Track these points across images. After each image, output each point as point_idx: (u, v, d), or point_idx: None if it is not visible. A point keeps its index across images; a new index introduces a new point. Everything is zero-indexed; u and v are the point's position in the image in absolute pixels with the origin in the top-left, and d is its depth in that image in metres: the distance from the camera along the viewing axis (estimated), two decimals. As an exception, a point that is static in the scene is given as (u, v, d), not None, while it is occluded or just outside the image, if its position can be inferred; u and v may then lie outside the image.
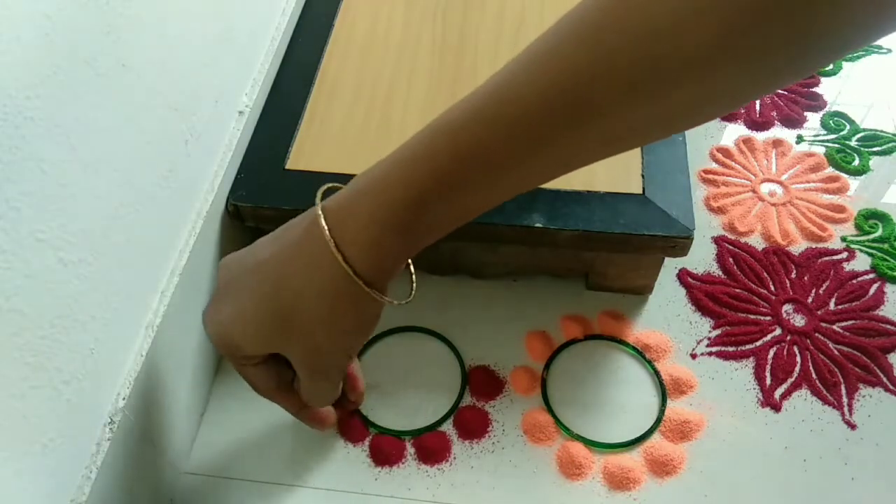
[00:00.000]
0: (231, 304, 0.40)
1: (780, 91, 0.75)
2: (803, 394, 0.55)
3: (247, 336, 0.40)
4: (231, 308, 0.40)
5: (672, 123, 0.33)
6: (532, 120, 0.32)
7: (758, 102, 0.74)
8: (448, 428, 0.54)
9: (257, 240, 0.42)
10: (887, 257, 0.62)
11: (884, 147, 0.70)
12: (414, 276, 0.45)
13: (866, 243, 0.63)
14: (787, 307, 0.59)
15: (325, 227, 0.36)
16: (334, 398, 0.47)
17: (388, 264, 0.38)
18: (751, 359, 0.57)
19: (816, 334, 0.58)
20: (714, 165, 0.70)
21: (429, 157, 0.35)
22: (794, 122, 0.73)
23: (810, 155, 0.70)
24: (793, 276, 0.61)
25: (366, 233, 0.36)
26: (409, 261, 0.44)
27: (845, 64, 0.78)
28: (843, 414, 0.54)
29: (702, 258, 0.63)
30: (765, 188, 0.68)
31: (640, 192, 0.55)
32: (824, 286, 0.61)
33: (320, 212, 0.37)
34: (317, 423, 0.49)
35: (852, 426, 0.54)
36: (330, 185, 0.40)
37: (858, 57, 0.79)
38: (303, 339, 0.40)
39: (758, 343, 0.58)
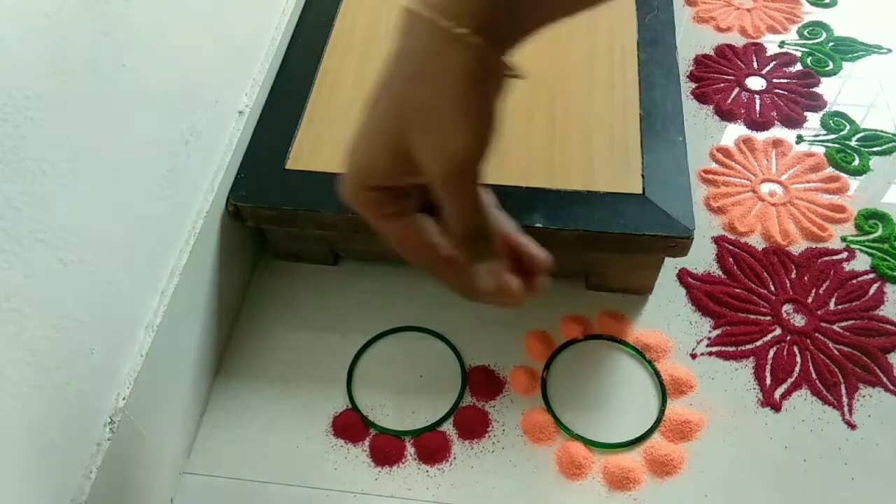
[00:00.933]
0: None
1: (780, 91, 0.75)
2: (803, 394, 0.55)
3: (366, 145, 0.36)
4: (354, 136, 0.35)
5: None
6: None
7: (758, 102, 0.74)
8: (448, 428, 0.54)
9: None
10: (887, 257, 0.62)
11: (884, 147, 0.70)
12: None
13: (866, 243, 0.63)
14: (787, 307, 0.59)
15: (423, 12, 0.32)
16: (488, 242, 0.37)
17: (494, 16, 0.33)
18: (751, 359, 0.57)
19: (816, 334, 0.58)
20: (714, 165, 0.70)
21: None
22: (794, 122, 0.73)
23: (810, 155, 0.70)
24: (793, 276, 0.61)
25: None
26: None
27: (845, 64, 0.78)
28: (843, 414, 0.54)
29: (702, 258, 0.63)
30: (765, 188, 0.68)
31: (640, 192, 0.55)
32: (824, 286, 0.61)
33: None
34: (495, 290, 0.37)
35: (852, 426, 0.54)
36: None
37: (858, 57, 0.79)
38: (418, 115, 0.35)
39: (758, 343, 0.58)
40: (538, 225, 0.53)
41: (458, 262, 0.38)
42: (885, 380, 0.56)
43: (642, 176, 0.56)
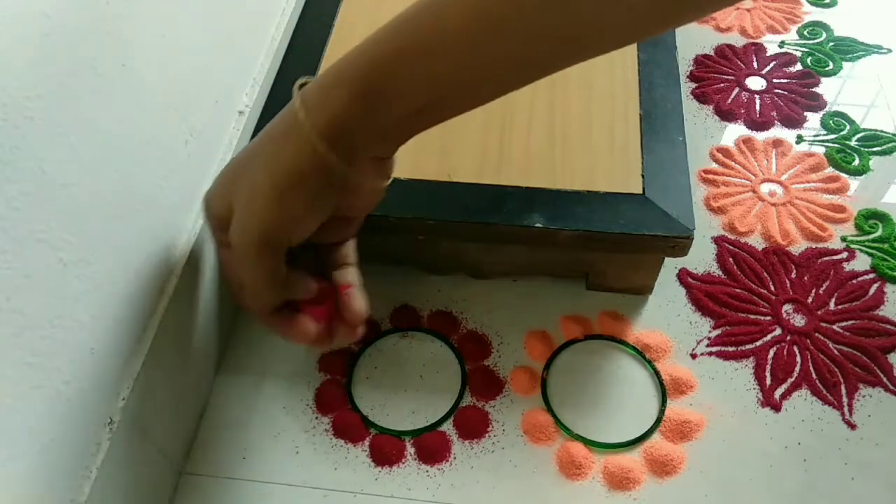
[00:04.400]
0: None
1: (780, 91, 0.75)
2: (803, 394, 0.55)
3: (211, 190, 0.41)
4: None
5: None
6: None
7: (758, 102, 0.74)
8: (448, 428, 0.54)
9: None
10: (887, 257, 0.62)
11: (884, 147, 0.70)
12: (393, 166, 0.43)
13: (866, 243, 0.63)
14: (787, 307, 0.59)
15: (296, 99, 0.38)
16: (272, 298, 0.42)
17: (350, 127, 0.38)
18: (751, 359, 0.57)
19: (816, 334, 0.58)
20: (714, 165, 0.70)
21: (387, 39, 0.39)
22: (794, 122, 0.73)
23: (810, 155, 0.70)
24: (793, 275, 0.61)
25: (327, 93, 0.37)
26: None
27: (845, 64, 0.78)
28: (843, 414, 0.54)
29: (702, 258, 0.63)
30: (765, 188, 0.68)
31: (640, 192, 0.55)
32: (824, 286, 0.61)
33: (296, 90, 0.38)
34: (281, 327, 0.43)
35: (852, 426, 0.54)
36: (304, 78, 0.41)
37: (858, 57, 0.79)
38: (246, 181, 0.39)
39: (758, 343, 0.58)
40: (538, 225, 0.53)
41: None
42: (885, 380, 0.56)
43: (642, 176, 0.56)
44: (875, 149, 0.70)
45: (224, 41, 0.56)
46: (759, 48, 0.80)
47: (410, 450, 0.53)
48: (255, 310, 0.43)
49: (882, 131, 0.72)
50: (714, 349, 0.58)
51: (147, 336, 0.47)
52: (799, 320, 0.59)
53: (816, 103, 0.74)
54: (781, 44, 0.80)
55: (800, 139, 0.71)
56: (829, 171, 0.69)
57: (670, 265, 0.62)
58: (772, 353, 0.57)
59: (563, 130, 0.59)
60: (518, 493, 0.51)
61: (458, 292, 0.61)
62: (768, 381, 0.56)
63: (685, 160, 0.57)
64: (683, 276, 0.62)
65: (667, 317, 0.60)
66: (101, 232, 0.41)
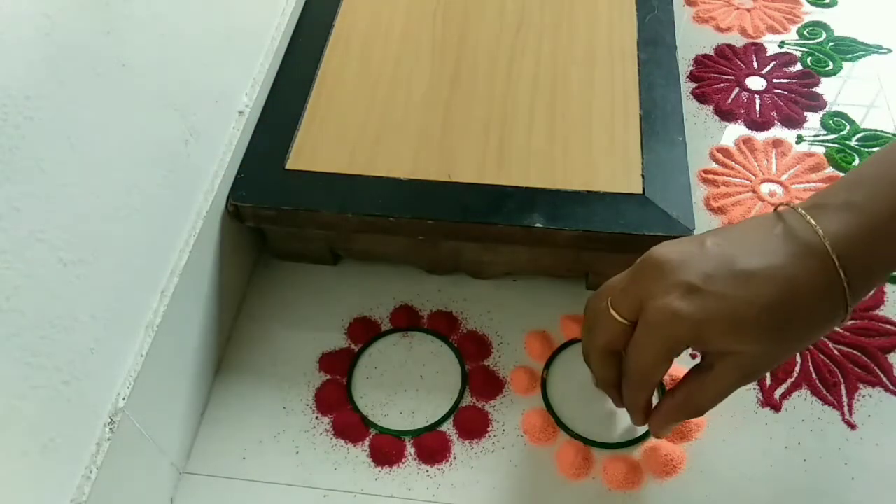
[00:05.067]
0: (714, 300, 0.38)
1: (780, 91, 0.75)
2: (803, 394, 0.55)
3: (733, 326, 0.38)
4: (713, 304, 0.38)
5: None
6: None
7: (758, 102, 0.74)
8: (448, 428, 0.54)
9: (703, 233, 0.41)
10: (887, 257, 0.62)
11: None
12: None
13: (866, 243, 0.63)
14: (787, 307, 0.59)
15: (833, 255, 0.36)
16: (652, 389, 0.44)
17: (879, 271, 0.38)
18: (751, 359, 0.57)
19: (816, 334, 0.58)
20: (714, 165, 0.70)
21: None
22: (794, 122, 0.73)
23: (810, 155, 0.70)
24: (793, 276, 0.61)
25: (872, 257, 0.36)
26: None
27: (845, 64, 0.78)
28: (843, 414, 0.54)
29: (702, 258, 0.63)
30: (765, 188, 0.68)
31: (641, 192, 0.55)
32: (824, 286, 0.60)
33: (826, 242, 0.37)
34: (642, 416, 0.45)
35: (852, 426, 0.54)
36: None
37: (858, 57, 0.79)
38: (786, 341, 0.38)
39: (758, 343, 0.58)
40: (538, 225, 0.53)
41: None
42: (885, 380, 0.56)
43: (642, 176, 0.56)
44: (875, 149, 0.70)
45: (224, 41, 0.56)
46: (759, 48, 0.80)
47: (410, 450, 0.53)
48: (634, 383, 0.43)
49: (882, 131, 0.72)
50: (714, 349, 0.58)
51: (147, 336, 0.47)
52: (799, 320, 0.59)
53: (816, 103, 0.74)
54: (781, 44, 0.80)
55: (800, 139, 0.71)
56: (830, 171, 0.69)
57: (670, 265, 0.62)
58: (772, 353, 0.57)
59: (563, 130, 0.59)
60: (518, 493, 0.51)
61: (458, 292, 0.61)
62: (768, 381, 0.56)
63: (685, 160, 0.57)
64: (683, 276, 0.62)
65: (667, 317, 0.59)
66: (101, 232, 0.42)
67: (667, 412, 0.43)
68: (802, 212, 0.37)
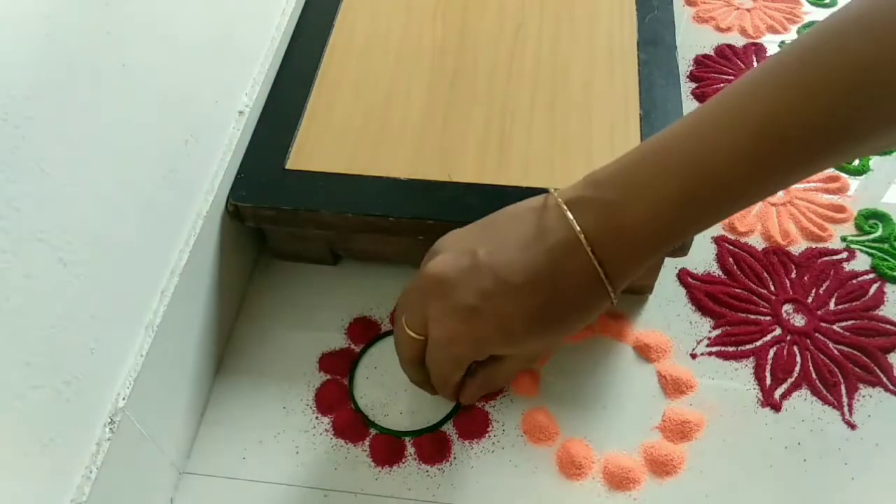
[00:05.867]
0: (475, 284, 0.40)
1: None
2: (803, 394, 0.55)
3: (507, 338, 0.41)
4: (476, 288, 0.40)
5: None
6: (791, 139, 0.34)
7: (758, 102, 0.74)
8: (448, 428, 0.54)
9: (477, 228, 0.43)
10: (887, 257, 0.62)
11: (884, 147, 0.70)
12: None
13: (866, 243, 0.63)
14: (787, 307, 0.59)
15: (587, 248, 0.38)
16: (457, 381, 0.48)
17: (635, 264, 0.39)
18: (751, 359, 0.57)
19: (816, 334, 0.58)
20: (714, 165, 0.70)
21: (695, 160, 0.36)
22: (794, 122, 0.73)
23: (810, 155, 0.70)
24: (793, 275, 0.61)
25: (625, 234, 0.38)
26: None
27: (845, 64, 0.78)
28: (843, 414, 0.54)
29: (702, 258, 0.63)
30: (765, 188, 0.67)
31: (640, 192, 0.55)
32: (824, 286, 0.61)
33: (577, 228, 0.38)
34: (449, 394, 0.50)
35: (852, 426, 0.54)
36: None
37: (858, 57, 0.79)
38: (557, 333, 0.41)
39: (758, 343, 0.58)
40: (538, 225, 0.53)
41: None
42: (885, 380, 0.56)
43: (642, 176, 0.56)
44: (875, 149, 0.70)
45: (224, 41, 0.56)
46: (759, 48, 0.80)
47: (410, 450, 0.53)
48: (437, 385, 0.48)
49: (882, 131, 0.72)
50: (714, 349, 0.58)
51: (147, 336, 0.47)
52: (799, 320, 0.59)
53: (816, 103, 0.74)
54: (781, 44, 0.80)
55: (800, 139, 0.71)
56: (829, 170, 0.69)
57: (670, 265, 0.62)
58: (772, 353, 0.57)
59: (563, 130, 0.59)
60: (518, 493, 0.51)
61: (458, 292, 0.61)
62: (768, 381, 0.56)
63: (685, 160, 0.57)
64: (683, 276, 0.62)
65: (667, 317, 0.60)
66: (101, 232, 0.42)
67: (471, 391, 0.50)
68: (563, 205, 0.39)
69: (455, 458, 0.53)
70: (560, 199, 0.39)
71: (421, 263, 0.44)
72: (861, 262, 0.62)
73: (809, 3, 0.85)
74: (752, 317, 0.59)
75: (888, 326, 0.58)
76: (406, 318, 0.44)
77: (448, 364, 0.44)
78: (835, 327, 0.58)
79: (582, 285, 0.38)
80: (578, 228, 0.37)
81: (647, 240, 0.38)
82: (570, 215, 0.38)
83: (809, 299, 0.60)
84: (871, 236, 0.64)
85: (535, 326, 0.40)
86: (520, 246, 0.40)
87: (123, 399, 0.44)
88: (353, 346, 0.58)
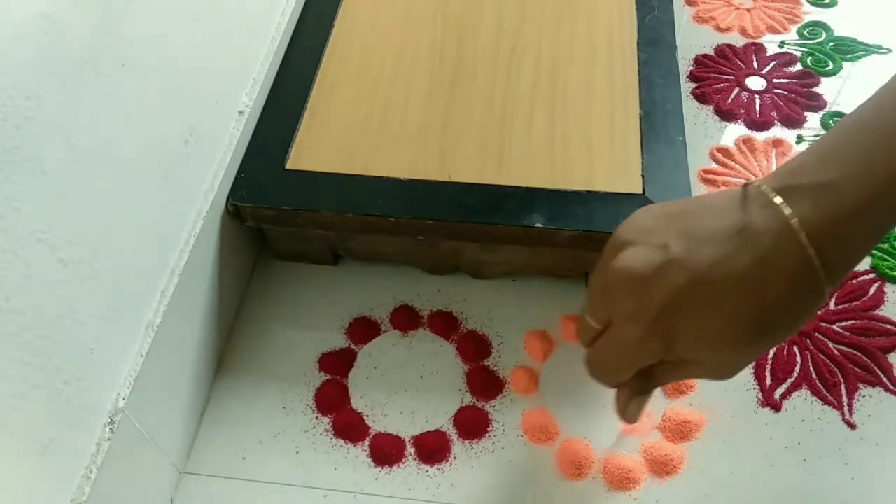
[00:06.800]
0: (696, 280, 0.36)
1: (780, 91, 0.75)
2: (803, 394, 0.55)
3: (699, 330, 0.36)
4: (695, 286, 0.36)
5: None
6: None
7: (758, 102, 0.74)
8: (448, 428, 0.54)
9: (666, 219, 0.38)
10: (887, 257, 0.62)
11: (884, 147, 0.70)
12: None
13: (866, 243, 0.63)
14: (787, 307, 0.59)
15: (809, 247, 0.34)
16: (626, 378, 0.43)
17: (856, 252, 0.36)
18: (751, 359, 0.57)
19: (816, 334, 0.58)
20: (714, 165, 0.70)
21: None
22: (794, 122, 0.73)
23: (810, 155, 0.70)
24: (793, 276, 0.61)
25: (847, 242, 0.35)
26: None
27: (845, 64, 0.78)
28: (843, 414, 0.54)
29: (702, 258, 0.63)
30: (765, 188, 0.67)
31: (641, 192, 0.55)
32: (824, 286, 0.60)
33: (796, 223, 0.34)
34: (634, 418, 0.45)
35: (852, 426, 0.54)
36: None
37: (858, 57, 0.79)
38: (763, 346, 0.37)
39: (758, 343, 0.58)
40: (538, 225, 0.53)
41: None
42: (885, 380, 0.56)
43: (642, 176, 0.56)
44: (875, 149, 0.70)
45: (224, 41, 0.56)
46: (759, 48, 0.80)
47: (410, 450, 0.53)
48: (599, 373, 0.43)
49: (882, 131, 0.71)
50: (714, 349, 0.57)
51: (147, 336, 0.47)
52: (799, 320, 0.59)
53: (816, 103, 0.74)
54: (781, 44, 0.80)
55: (800, 139, 0.71)
56: (829, 171, 0.69)
57: (670, 265, 0.62)
58: (772, 353, 0.57)
59: (562, 130, 0.59)
60: (518, 493, 0.51)
61: (458, 292, 0.61)
62: (768, 381, 0.56)
63: (685, 160, 0.57)
64: (683, 276, 0.62)
65: (667, 317, 0.59)
66: (101, 232, 0.42)
67: (637, 403, 0.44)
68: (770, 193, 0.35)
69: (455, 458, 0.53)
70: (765, 188, 0.35)
71: (605, 251, 0.40)
72: (861, 262, 0.62)
73: (809, 3, 0.85)
74: (752, 317, 0.59)
75: (888, 326, 0.58)
76: (589, 307, 0.41)
77: (625, 362, 0.40)
78: (835, 327, 0.58)
79: (794, 280, 0.34)
80: (790, 212, 0.34)
81: (870, 222, 0.34)
82: (778, 200, 0.34)
83: (809, 299, 0.60)
84: (871, 236, 0.64)
85: (739, 330, 0.35)
86: (719, 240, 0.35)
87: (123, 399, 0.44)
88: (352, 346, 0.58)
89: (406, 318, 0.60)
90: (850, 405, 0.55)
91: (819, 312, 0.35)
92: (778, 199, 0.34)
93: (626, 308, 0.38)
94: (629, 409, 0.44)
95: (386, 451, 0.53)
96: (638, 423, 0.45)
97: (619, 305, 0.38)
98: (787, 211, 0.34)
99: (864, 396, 0.55)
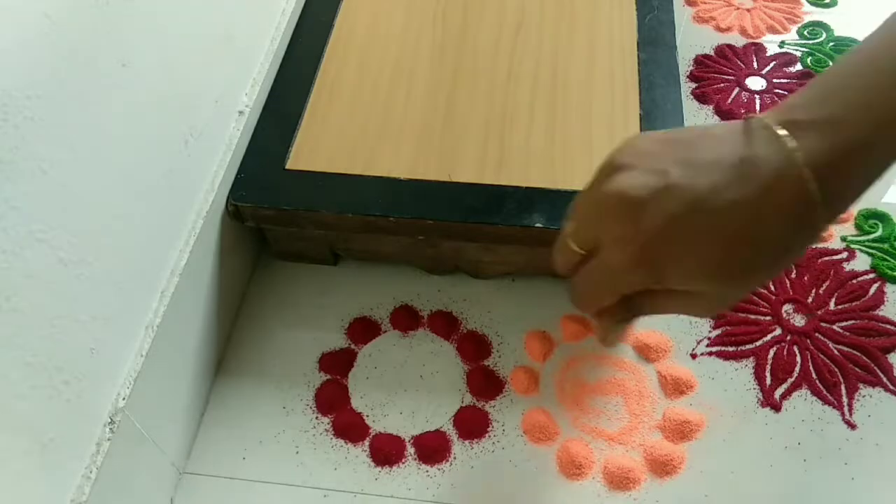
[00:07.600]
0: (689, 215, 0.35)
1: (780, 91, 0.75)
2: (803, 394, 0.55)
3: (692, 257, 0.36)
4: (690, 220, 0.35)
5: None
6: None
7: (758, 102, 0.74)
8: (448, 428, 0.54)
9: (663, 144, 0.37)
10: (887, 257, 0.62)
11: (884, 147, 0.70)
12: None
13: (866, 243, 0.63)
14: (787, 307, 0.59)
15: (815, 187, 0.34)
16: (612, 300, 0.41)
17: (857, 188, 0.36)
18: (751, 359, 0.57)
19: (816, 334, 0.58)
20: (714, 165, 0.70)
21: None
22: (794, 122, 0.73)
23: (810, 155, 0.70)
24: (793, 275, 0.61)
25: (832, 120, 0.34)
26: None
27: (845, 64, 0.78)
28: (843, 414, 0.54)
29: (702, 258, 0.63)
30: (765, 188, 0.67)
31: (640, 192, 0.55)
32: (824, 286, 0.61)
33: (801, 162, 0.34)
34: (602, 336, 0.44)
35: (852, 426, 0.54)
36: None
37: (858, 57, 0.79)
38: (750, 263, 0.36)
39: (758, 343, 0.58)
40: (538, 225, 0.53)
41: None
42: (885, 380, 0.56)
43: (642, 176, 0.56)
44: (875, 149, 0.70)
45: (224, 41, 0.56)
46: (759, 48, 0.79)
47: (410, 450, 0.53)
48: (580, 300, 0.42)
49: (882, 131, 0.71)
50: (714, 349, 0.58)
51: (147, 336, 0.47)
52: (799, 320, 0.59)
53: (816, 103, 0.74)
54: (781, 44, 0.80)
55: (800, 139, 0.71)
56: (829, 171, 0.69)
57: (670, 265, 0.62)
58: (772, 353, 0.57)
59: (563, 130, 0.59)
60: (518, 493, 0.51)
61: (458, 292, 0.61)
62: (768, 381, 0.56)
63: (685, 160, 0.57)
64: (683, 276, 0.62)
65: (667, 317, 0.59)
66: (101, 232, 0.42)
67: (620, 328, 0.43)
68: (774, 126, 0.34)
69: (455, 458, 0.53)
70: (768, 120, 0.35)
71: (597, 174, 0.39)
72: (861, 262, 0.62)
73: (809, 3, 0.85)
74: (752, 317, 0.59)
75: (888, 326, 0.58)
76: (572, 230, 0.40)
77: (610, 288, 0.39)
78: (835, 327, 0.58)
79: (793, 212, 0.34)
80: (793, 145, 0.34)
81: (871, 158, 0.35)
82: (782, 133, 0.34)
83: (809, 299, 0.60)
84: (871, 236, 0.64)
85: (734, 260, 0.35)
86: (720, 169, 0.35)
87: (123, 399, 0.44)
88: (352, 346, 0.58)
89: (406, 318, 0.60)
90: (850, 405, 0.55)
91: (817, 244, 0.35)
92: (782, 132, 0.34)
93: (617, 232, 0.37)
94: (609, 336, 0.43)
95: (386, 451, 0.53)
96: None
97: (609, 229, 0.37)
98: (791, 144, 0.34)
99: (864, 396, 0.55)
